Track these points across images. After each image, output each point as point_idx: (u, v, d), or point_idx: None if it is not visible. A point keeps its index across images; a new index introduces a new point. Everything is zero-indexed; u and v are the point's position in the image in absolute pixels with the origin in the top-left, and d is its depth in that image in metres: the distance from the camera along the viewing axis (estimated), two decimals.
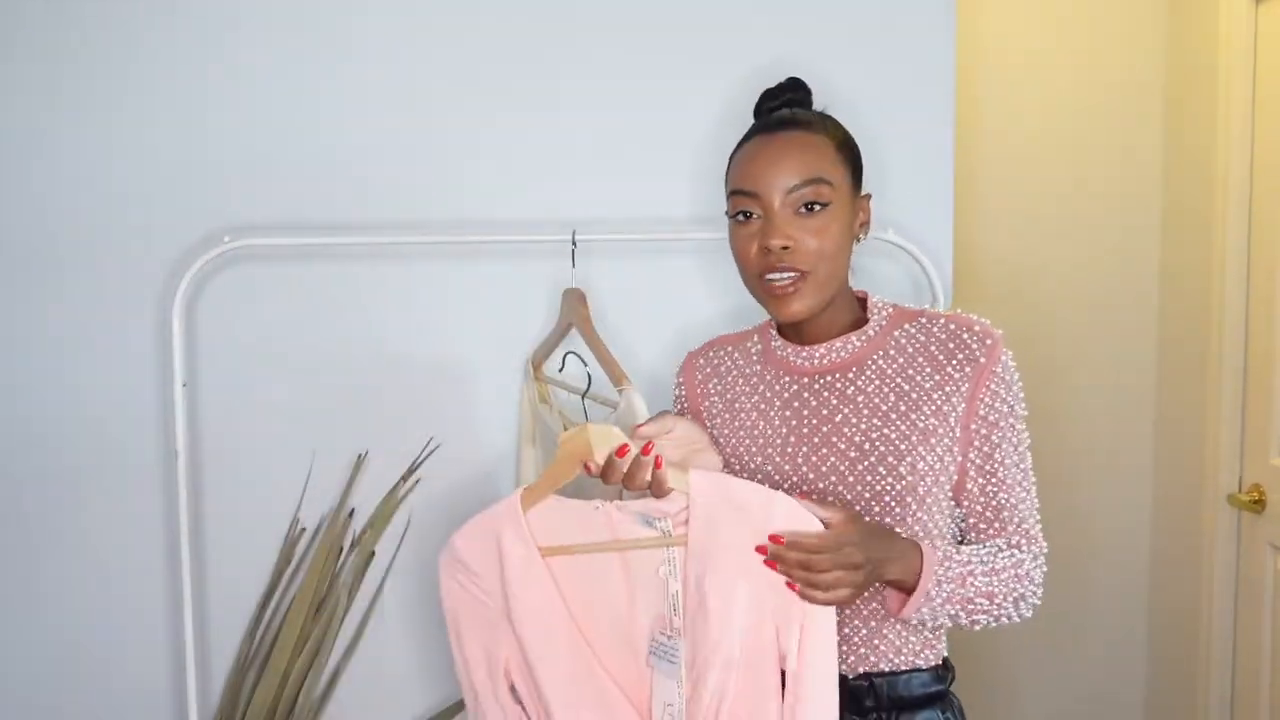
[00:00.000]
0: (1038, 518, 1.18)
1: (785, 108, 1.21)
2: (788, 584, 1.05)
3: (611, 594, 1.14)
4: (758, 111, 1.24)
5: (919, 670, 1.18)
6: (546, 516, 1.15)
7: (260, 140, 1.69)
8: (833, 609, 1.06)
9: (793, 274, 1.14)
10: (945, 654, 1.22)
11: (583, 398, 1.29)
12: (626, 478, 1.09)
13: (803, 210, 1.14)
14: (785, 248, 1.13)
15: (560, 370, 1.61)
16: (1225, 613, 2.30)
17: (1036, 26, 2.48)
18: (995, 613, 1.13)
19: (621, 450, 1.09)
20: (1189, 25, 2.40)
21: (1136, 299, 2.54)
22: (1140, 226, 2.52)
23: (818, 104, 1.24)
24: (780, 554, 1.05)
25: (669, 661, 1.10)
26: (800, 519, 1.05)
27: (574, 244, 1.59)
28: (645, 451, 1.08)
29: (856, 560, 1.04)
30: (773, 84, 1.25)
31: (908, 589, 1.09)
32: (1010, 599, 1.13)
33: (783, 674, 1.08)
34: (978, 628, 1.14)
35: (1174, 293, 2.48)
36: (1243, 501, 2.21)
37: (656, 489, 1.08)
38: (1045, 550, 1.18)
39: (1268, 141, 2.17)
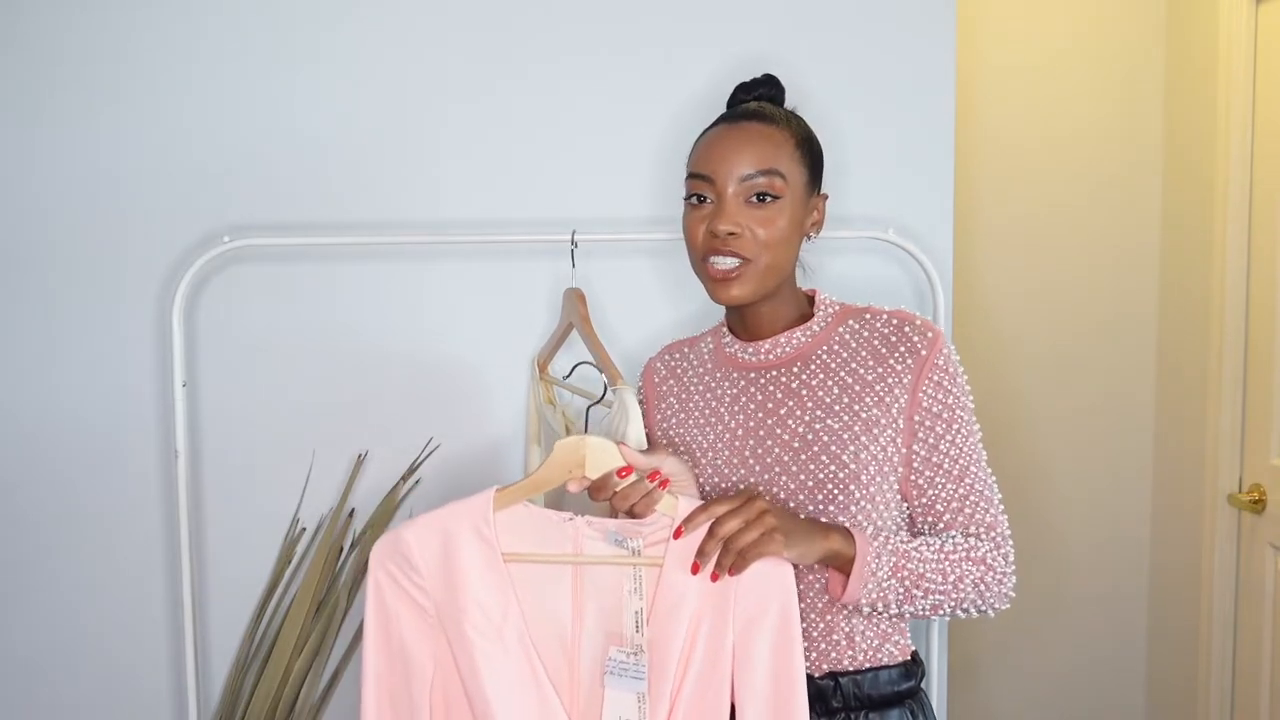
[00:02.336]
0: (1001, 509, 1.17)
1: (756, 102, 1.23)
2: (712, 576, 1.05)
3: (558, 607, 1.11)
4: (731, 102, 1.27)
5: (886, 667, 1.17)
6: (510, 522, 1.11)
7: (260, 140, 1.69)
8: (793, 634, 1.06)
9: (735, 260, 1.15)
10: (913, 648, 1.21)
11: (589, 407, 1.29)
12: (619, 497, 1.08)
13: (753, 200, 1.16)
14: (732, 233, 1.15)
15: (566, 377, 1.61)
16: (1225, 613, 2.30)
17: (1036, 26, 2.48)
18: (955, 596, 1.11)
19: (624, 471, 1.08)
20: (1189, 25, 2.40)
21: (1137, 298, 2.54)
22: (1140, 226, 2.52)
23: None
24: (688, 525, 1.05)
25: (633, 678, 1.08)
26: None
27: (574, 244, 1.59)
28: (652, 478, 1.08)
29: (761, 506, 1.05)
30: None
31: (849, 569, 1.08)
32: (969, 582, 1.11)
33: (733, 707, 1.08)
34: (940, 613, 1.11)
35: (1174, 292, 2.48)
36: (1243, 501, 2.21)
37: (644, 509, 1.08)
38: (1009, 539, 1.15)
39: (1268, 142, 2.17)
